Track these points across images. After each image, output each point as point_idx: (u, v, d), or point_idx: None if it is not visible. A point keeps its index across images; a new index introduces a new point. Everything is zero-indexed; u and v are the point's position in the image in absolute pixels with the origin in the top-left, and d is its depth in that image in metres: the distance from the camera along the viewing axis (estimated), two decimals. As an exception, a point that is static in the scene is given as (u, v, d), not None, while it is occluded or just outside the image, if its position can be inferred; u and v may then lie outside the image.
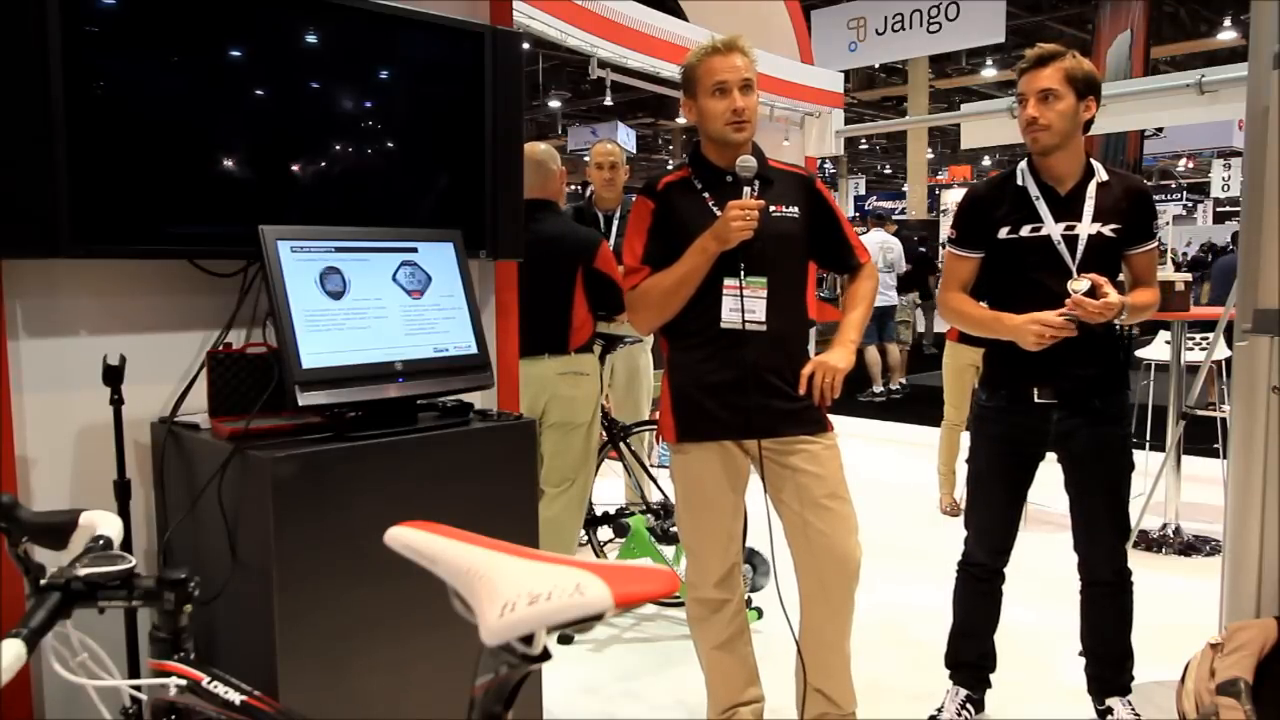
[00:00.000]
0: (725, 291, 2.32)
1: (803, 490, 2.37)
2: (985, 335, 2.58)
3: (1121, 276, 2.58)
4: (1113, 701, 2.68)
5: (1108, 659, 2.69)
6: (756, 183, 2.32)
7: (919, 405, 5.12)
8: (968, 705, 2.77)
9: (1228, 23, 13.78)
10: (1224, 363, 4.16)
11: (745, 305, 2.30)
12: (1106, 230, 2.47)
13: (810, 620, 2.46)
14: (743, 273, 2.31)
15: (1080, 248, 2.47)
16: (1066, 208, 2.49)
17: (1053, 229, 2.48)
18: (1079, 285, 2.40)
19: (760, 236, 2.27)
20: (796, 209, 2.38)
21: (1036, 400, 2.52)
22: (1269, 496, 2.40)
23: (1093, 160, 2.54)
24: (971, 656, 2.80)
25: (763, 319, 2.32)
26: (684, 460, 2.45)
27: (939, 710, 2.80)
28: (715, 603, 2.51)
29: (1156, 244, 2.58)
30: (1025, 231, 2.51)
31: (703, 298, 2.33)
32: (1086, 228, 2.47)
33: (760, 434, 2.35)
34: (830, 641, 2.47)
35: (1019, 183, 2.54)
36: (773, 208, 2.35)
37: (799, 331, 2.43)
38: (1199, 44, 15.25)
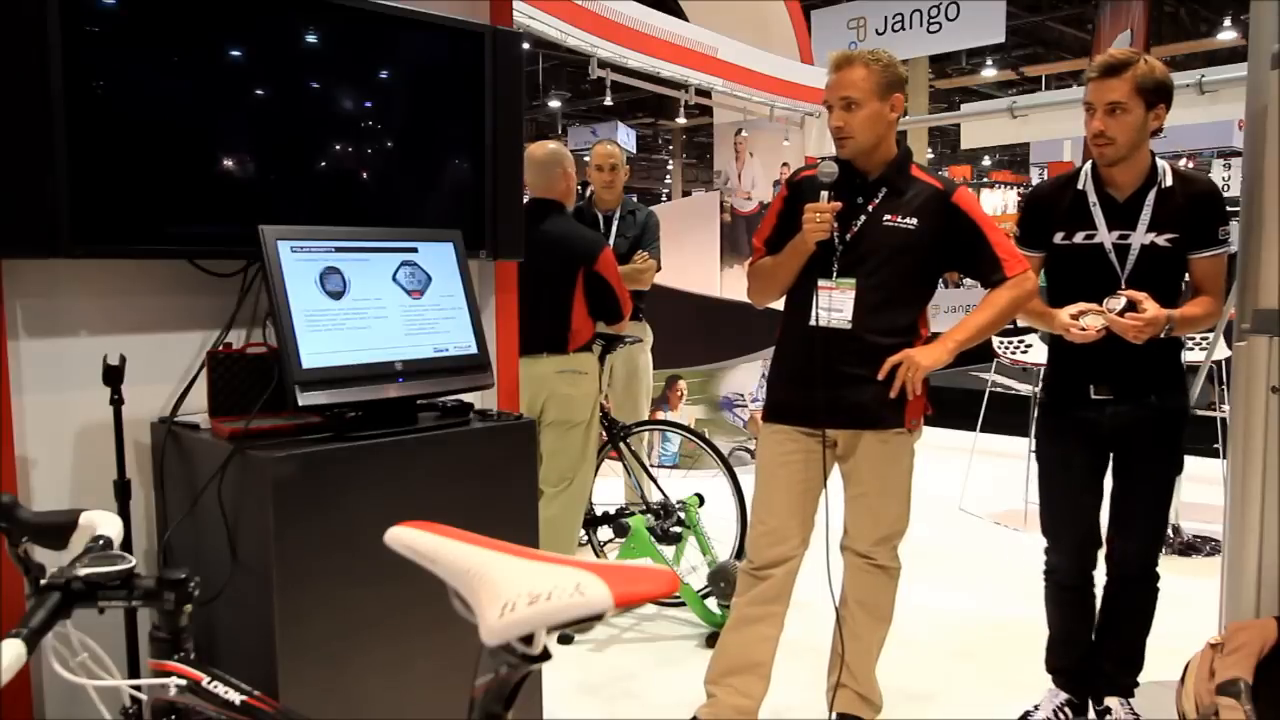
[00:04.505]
0: (818, 291, 2.43)
1: (855, 485, 2.50)
2: (1041, 328, 2.59)
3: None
4: (1111, 701, 2.67)
5: (1117, 658, 2.66)
6: (846, 192, 2.41)
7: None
8: (1065, 708, 2.71)
9: (1228, 23, 13.74)
10: (1224, 363, 4.15)
11: (833, 304, 2.41)
12: (1161, 240, 2.44)
13: (849, 619, 2.59)
14: (835, 274, 2.42)
15: (1132, 258, 2.45)
16: (1123, 216, 2.46)
17: (1105, 237, 2.47)
18: (1115, 304, 2.39)
19: (861, 241, 2.41)
20: (915, 220, 2.40)
21: (1093, 396, 2.52)
22: (1269, 496, 2.39)
23: (1160, 163, 2.48)
24: (1068, 661, 2.73)
25: (849, 319, 2.40)
26: (763, 437, 2.61)
27: (1035, 708, 2.75)
28: (751, 576, 2.56)
29: (1224, 252, 2.49)
30: (1079, 238, 2.50)
31: (800, 294, 2.47)
32: (1140, 237, 2.45)
33: (828, 425, 2.46)
34: (865, 645, 2.60)
35: (1080, 186, 2.53)
36: (887, 216, 2.41)
37: (891, 337, 2.42)
38: (1199, 44, 15.21)
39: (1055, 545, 2.69)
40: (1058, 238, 2.52)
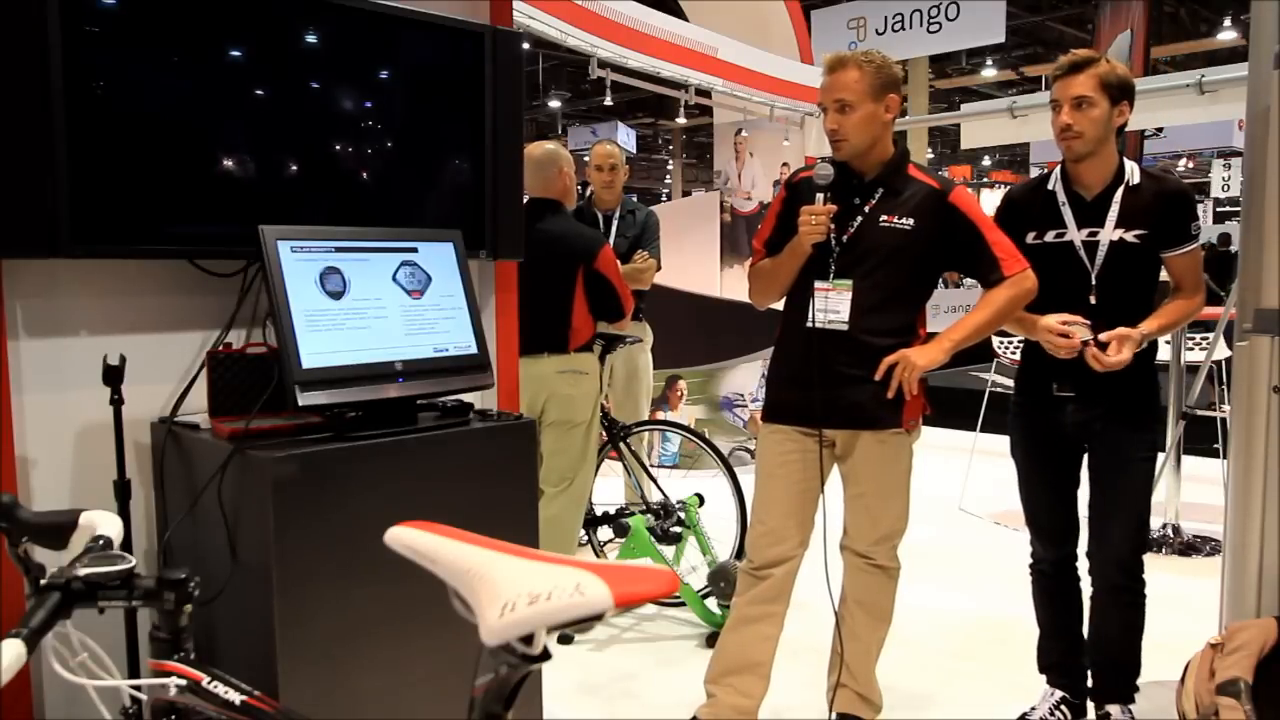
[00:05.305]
0: (815, 292, 2.44)
1: (854, 485, 2.51)
2: (1021, 334, 2.60)
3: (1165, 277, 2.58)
4: (1112, 708, 2.64)
5: (1111, 667, 2.64)
6: (853, 193, 2.44)
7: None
8: (1062, 706, 2.71)
9: (1228, 23, 13.74)
10: (1224, 362, 4.16)
11: (829, 305, 2.42)
12: (1130, 236, 2.46)
13: (848, 619, 2.59)
14: (832, 275, 2.43)
15: (1101, 254, 2.47)
16: (1091, 214, 2.49)
17: (1075, 235, 2.49)
18: (1102, 355, 2.38)
19: (858, 242, 2.42)
20: (912, 220, 2.41)
21: (1055, 393, 2.54)
22: (1269, 496, 2.39)
23: (1127, 163, 2.51)
24: (1057, 656, 2.74)
25: (845, 319, 2.41)
26: (762, 437, 2.61)
27: (1032, 709, 2.75)
28: (751, 576, 2.56)
29: (1197, 246, 2.52)
30: (1050, 237, 2.53)
31: (799, 295, 2.49)
32: (1108, 234, 2.47)
33: (826, 425, 2.47)
34: (864, 645, 2.60)
35: (1050, 187, 2.56)
36: (883, 217, 2.42)
37: (888, 337, 2.43)
38: (1199, 44, 15.21)
39: (1037, 534, 2.72)
40: (1029, 238, 2.54)
